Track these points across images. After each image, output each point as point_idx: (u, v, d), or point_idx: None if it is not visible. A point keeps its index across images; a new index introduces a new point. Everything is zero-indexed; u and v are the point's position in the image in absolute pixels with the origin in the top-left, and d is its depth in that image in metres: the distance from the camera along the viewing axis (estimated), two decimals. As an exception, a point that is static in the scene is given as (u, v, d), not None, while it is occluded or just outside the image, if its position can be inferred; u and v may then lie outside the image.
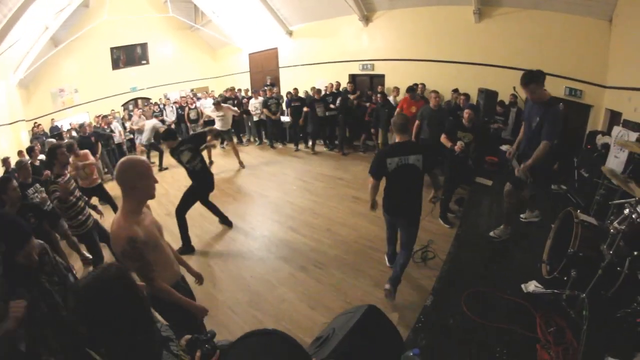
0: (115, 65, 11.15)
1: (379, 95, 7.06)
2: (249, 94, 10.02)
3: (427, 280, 3.36)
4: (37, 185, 3.80)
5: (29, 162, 4.13)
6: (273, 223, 4.87)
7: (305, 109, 8.04)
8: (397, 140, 2.89)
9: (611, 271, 2.53)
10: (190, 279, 2.37)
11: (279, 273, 3.73)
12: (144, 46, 11.58)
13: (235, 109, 7.67)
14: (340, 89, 8.28)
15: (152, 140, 8.38)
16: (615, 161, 3.98)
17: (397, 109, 6.32)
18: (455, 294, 2.92)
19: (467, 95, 5.97)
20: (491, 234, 3.88)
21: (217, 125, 7.46)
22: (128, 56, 11.38)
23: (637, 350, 1.73)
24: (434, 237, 4.11)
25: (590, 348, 2.23)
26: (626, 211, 2.59)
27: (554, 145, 3.58)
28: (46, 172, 4.65)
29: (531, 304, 2.77)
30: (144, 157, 1.83)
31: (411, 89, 6.36)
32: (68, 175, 3.60)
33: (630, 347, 1.99)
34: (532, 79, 2.99)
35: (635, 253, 2.48)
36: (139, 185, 1.76)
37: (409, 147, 2.88)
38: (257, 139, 9.56)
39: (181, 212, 4.37)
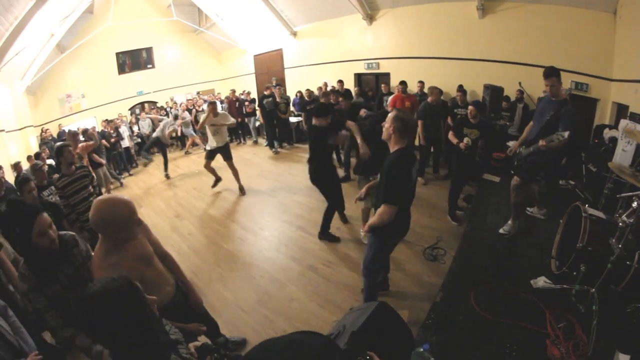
0: (121, 69, 11.32)
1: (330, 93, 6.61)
2: (251, 96, 10.09)
3: (436, 277, 3.38)
4: (52, 187, 3.88)
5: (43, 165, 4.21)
6: (282, 223, 4.90)
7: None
8: (400, 146, 2.31)
9: (621, 265, 2.51)
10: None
11: (288, 272, 3.76)
12: (149, 50, 11.73)
13: (233, 120, 6.23)
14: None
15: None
16: (623, 154, 3.95)
17: (390, 107, 6.27)
18: (465, 290, 2.92)
19: (464, 92, 5.95)
20: (501, 231, 3.88)
21: (211, 142, 5.93)
22: (134, 61, 11.53)
23: None
24: (443, 234, 4.13)
25: (600, 343, 2.24)
26: (634, 204, 2.56)
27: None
28: (55, 176, 4.73)
29: (540, 300, 2.77)
30: (127, 198, 1.70)
31: (403, 83, 6.35)
32: (77, 173, 3.68)
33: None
34: (554, 72, 3.16)
35: None
36: (120, 236, 1.64)
37: (413, 152, 2.42)
38: (265, 140, 9.59)
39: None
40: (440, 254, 3.77)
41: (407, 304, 3.00)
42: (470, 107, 4.26)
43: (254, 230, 4.81)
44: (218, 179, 6.40)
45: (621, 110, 5.35)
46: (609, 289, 2.58)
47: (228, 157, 6.02)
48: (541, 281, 2.90)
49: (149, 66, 11.84)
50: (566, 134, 3.01)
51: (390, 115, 2.33)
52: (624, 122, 4.35)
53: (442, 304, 2.81)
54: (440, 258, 3.71)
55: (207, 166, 6.16)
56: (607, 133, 4.64)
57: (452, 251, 3.72)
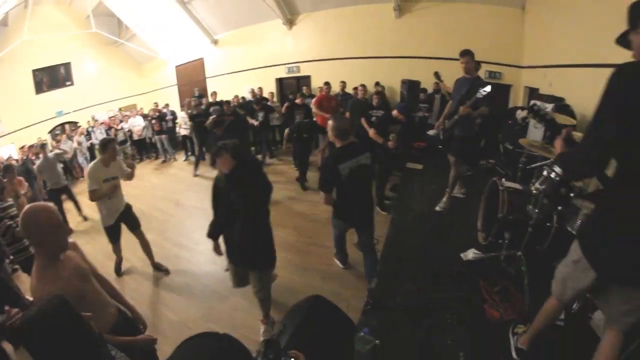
0: (39, 88, 10.23)
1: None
2: (168, 109, 9.67)
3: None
4: None
5: None
6: None
7: None
8: (339, 144, 2.71)
9: (541, 228, 2.73)
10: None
11: (228, 283, 3.53)
12: (67, 66, 10.75)
13: (129, 170, 3.92)
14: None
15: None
16: (535, 131, 4.32)
17: (314, 108, 6.33)
18: (399, 272, 2.99)
19: (380, 94, 5.97)
20: (437, 208, 4.08)
21: (106, 217, 3.77)
22: (51, 78, 10.50)
23: None
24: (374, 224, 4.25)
25: (535, 298, 2.37)
26: (545, 172, 2.80)
27: (479, 125, 3.90)
28: None
29: (473, 270, 2.91)
30: (50, 204, 1.69)
31: (327, 84, 6.51)
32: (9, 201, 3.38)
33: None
34: (469, 52, 3.63)
35: (560, 208, 2.70)
36: (47, 240, 1.60)
37: (357, 147, 2.76)
38: (185, 154, 9.09)
39: None
40: (374, 243, 3.85)
41: (345, 295, 3.04)
42: (394, 112, 4.46)
43: (188, 246, 4.61)
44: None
45: (532, 93, 5.88)
46: (534, 250, 2.78)
47: (135, 226, 4.01)
48: (471, 253, 3.05)
49: (67, 83, 10.82)
50: (488, 87, 3.31)
51: (329, 123, 2.78)
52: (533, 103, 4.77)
53: (378, 289, 2.83)
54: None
55: (117, 252, 4.07)
56: (520, 114, 5.06)
57: (384, 239, 3.78)
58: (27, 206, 1.63)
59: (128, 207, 3.95)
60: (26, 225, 1.57)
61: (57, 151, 5.99)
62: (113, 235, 3.87)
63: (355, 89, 6.73)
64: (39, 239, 1.58)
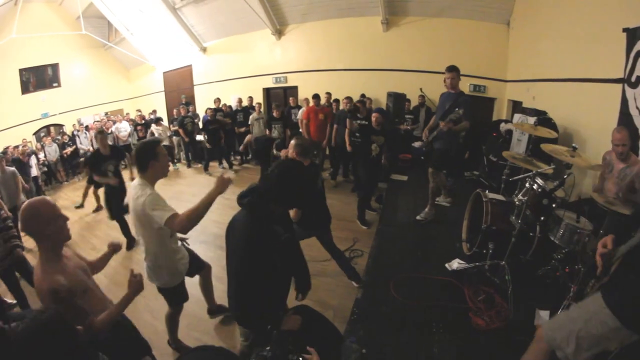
0: (25, 88, 9.95)
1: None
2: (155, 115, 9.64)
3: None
4: None
5: None
6: (200, 244, 4.59)
7: None
8: (306, 162, 2.82)
9: (524, 237, 2.82)
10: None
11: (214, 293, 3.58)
12: (55, 67, 10.52)
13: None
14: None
15: None
16: (519, 143, 4.46)
17: (304, 120, 6.31)
18: (384, 283, 3.00)
19: (363, 103, 5.70)
20: (418, 217, 4.12)
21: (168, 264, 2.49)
22: (38, 78, 10.26)
23: (562, 299, 1.94)
24: (358, 235, 4.30)
25: (520, 306, 2.44)
26: (527, 184, 2.90)
27: (463, 137, 3.95)
28: None
29: (457, 280, 2.96)
30: (48, 198, 1.72)
31: (317, 97, 6.42)
32: None
33: (555, 298, 2.17)
34: (456, 68, 3.70)
35: (542, 218, 2.79)
36: (48, 230, 1.61)
37: (315, 167, 3.25)
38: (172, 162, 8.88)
39: None
40: (357, 255, 3.91)
41: (332, 305, 3.04)
42: (375, 115, 4.47)
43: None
44: None
45: (516, 106, 6.04)
46: (518, 259, 2.86)
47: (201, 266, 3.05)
48: (455, 263, 3.11)
49: (54, 84, 10.58)
50: (460, 110, 3.38)
51: (291, 143, 2.84)
52: (517, 116, 4.90)
53: (363, 299, 2.86)
54: (358, 258, 3.84)
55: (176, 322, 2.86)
56: (504, 127, 5.20)
57: (368, 251, 3.82)
58: (25, 202, 1.65)
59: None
60: (27, 218, 1.58)
61: (13, 169, 5.39)
62: (181, 294, 2.66)
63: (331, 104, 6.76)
64: (42, 231, 1.59)
